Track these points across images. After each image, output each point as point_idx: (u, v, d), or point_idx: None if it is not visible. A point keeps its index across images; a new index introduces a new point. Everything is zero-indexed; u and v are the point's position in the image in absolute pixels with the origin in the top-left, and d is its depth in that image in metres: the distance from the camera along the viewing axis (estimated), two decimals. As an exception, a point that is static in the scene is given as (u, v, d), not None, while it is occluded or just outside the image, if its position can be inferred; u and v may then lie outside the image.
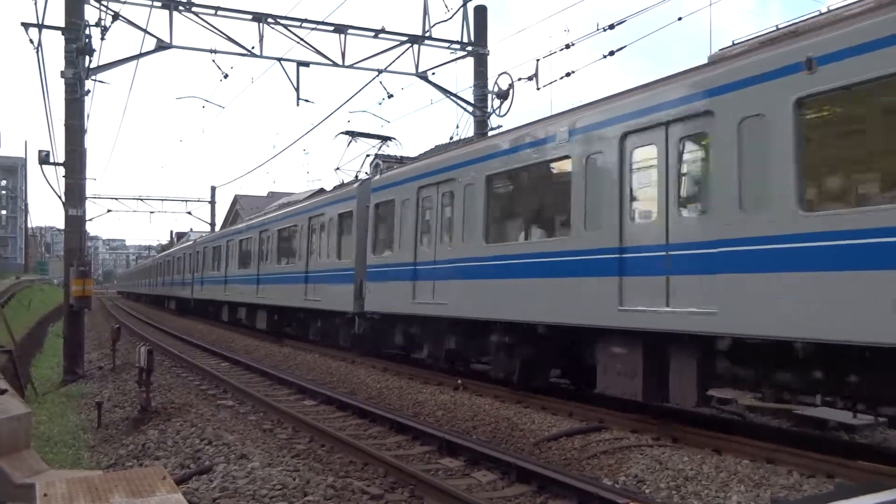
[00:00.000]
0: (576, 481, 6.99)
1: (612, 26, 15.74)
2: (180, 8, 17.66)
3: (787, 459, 7.68)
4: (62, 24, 16.85)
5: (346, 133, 20.76)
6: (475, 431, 10.08)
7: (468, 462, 8.37)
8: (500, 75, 19.21)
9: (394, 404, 12.33)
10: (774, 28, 8.54)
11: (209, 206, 53.91)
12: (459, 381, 13.31)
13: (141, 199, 51.66)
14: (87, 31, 16.98)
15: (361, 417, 11.22)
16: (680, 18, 15.06)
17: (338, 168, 21.89)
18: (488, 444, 9.09)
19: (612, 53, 16.03)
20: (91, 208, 50.01)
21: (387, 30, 19.63)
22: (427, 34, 19.67)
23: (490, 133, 15.28)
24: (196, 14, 17.94)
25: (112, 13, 17.29)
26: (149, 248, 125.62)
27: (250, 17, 18.51)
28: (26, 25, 16.80)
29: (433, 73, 20.49)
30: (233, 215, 66.06)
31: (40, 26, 16.79)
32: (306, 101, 22.47)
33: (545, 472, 7.37)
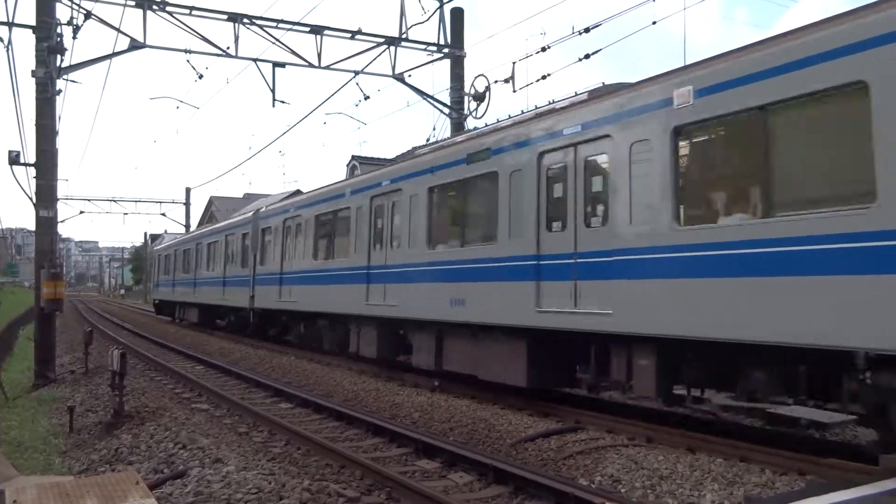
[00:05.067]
0: (552, 482, 7.03)
1: (587, 30, 15.87)
2: (154, 7, 17.49)
3: (759, 458, 7.78)
4: (33, 23, 16.61)
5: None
6: (452, 433, 10.09)
7: (445, 463, 8.37)
8: (476, 77, 19.29)
9: (371, 406, 12.30)
10: None
11: (184, 207, 53.22)
12: (436, 383, 13.32)
13: (114, 201, 51.08)
14: (58, 30, 16.76)
15: (338, 420, 11.18)
16: (654, 23, 15.22)
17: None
18: (465, 445, 9.10)
19: (587, 56, 16.18)
20: (63, 209, 49.45)
21: (363, 31, 19.62)
22: (404, 36, 19.68)
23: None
24: (170, 14, 17.79)
25: (84, 12, 17.08)
26: (122, 249, 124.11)
27: (225, 17, 18.38)
28: (-5, 24, 16.54)
29: (410, 75, 20.55)
30: (208, 217, 65.52)
31: (10, 24, 16.52)
32: (282, 102, 22.38)
33: (522, 473, 7.39)
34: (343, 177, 20.59)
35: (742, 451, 8.02)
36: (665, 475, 7.44)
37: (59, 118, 17.18)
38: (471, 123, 19.88)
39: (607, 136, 9.43)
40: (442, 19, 20.12)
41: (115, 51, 17.62)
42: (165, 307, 40.26)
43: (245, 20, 18.51)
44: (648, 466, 7.71)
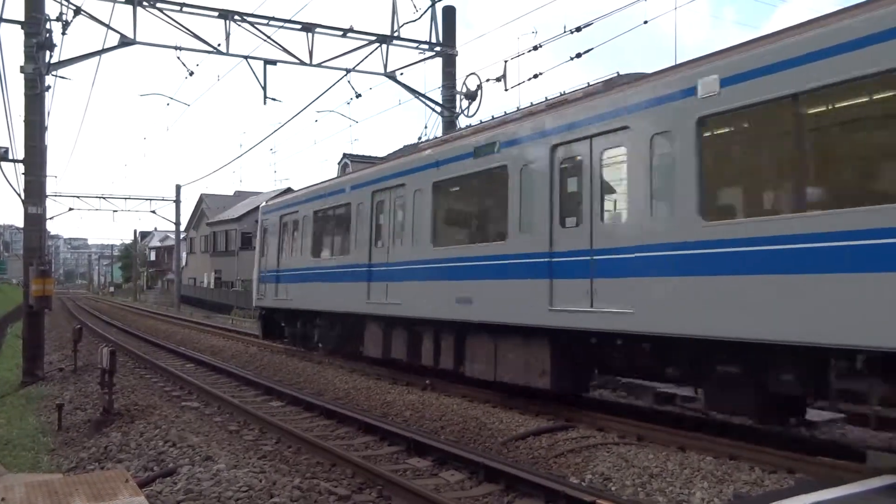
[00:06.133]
0: (543, 480, 7.04)
1: (579, 29, 15.89)
2: (144, 3, 17.38)
3: (749, 456, 7.82)
4: (22, 18, 16.48)
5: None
6: (443, 431, 10.09)
7: (436, 462, 8.37)
8: (468, 76, 19.29)
9: (362, 405, 12.29)
10: None
11: (174, 205, 52.99)
12: (428, 381, 13.31)
13: (104, 198, 50.60)
14: (47, 26, 16.64)
15: (329, 418, 11.17)
16: (646, 22, 15.29)
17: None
18: (456, 443, 9.10)
19: (579, 55, 16.20)
20: (52, 206, 48.91)
21: (355, 29, 19.56)
22: (395, 34, 19.64)
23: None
24: (161, 10, 17.68)
25: (74, 7, 16.97)
26: (111, 247, 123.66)
27: (216, 14, 18.28)
28: (-16, 19, 16.39)
29: (401, 73, 20.48)
30: (198, 215, 65.32)
31: (-1, 20, 16.39)
32: (273, 99, 22.38)
33: (513, 472, 7.40)
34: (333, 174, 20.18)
35: (732, 449, 8.06)
36: (655, 473, 7.47)
37: (48, 114, 17.07)
38: (463, 122, 19.91)
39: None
40: (434, 18, 20.09)
41: (105, 47, 17.49)
42: (298, 324, 19.00)
43: (236, 17, 18.42)
44: (639, 464, 7.73)
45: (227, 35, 18.34)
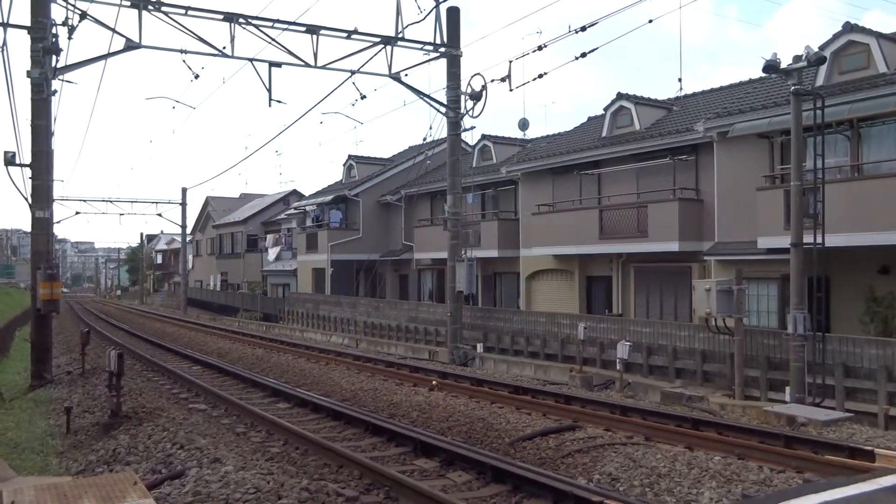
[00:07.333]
0: (551, 480, 7.02)
1: (583, 28, 15.89)
2: (149, 7, 17.43)
3: (757, 456, 7.81)
4: (28, 23, 16.57)
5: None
6: (450, 432, 10.09)
7: (443, 463, 8.37)
8: (473, 76, 19.38)
9: (369, 406, 12.30)
10: None
11: (180, 207, 53.08)
12: (434, 382, 13.32)
13: (110, 201, 50.70)
14: (53, 30, 16.71)
15: (336, 419, 11.18)
16: (650, 21, 15.31)
17: None
18: (463, 444, 9.10)
19: (584, 55, 16.19)
20: (59, 210, 49.26)
21: (359, 31, 19.57)
22: (400, 35, 19.66)
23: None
24: (166, 14, 17.72)
25: (79, 12, 17.03)
26: (118, 250, 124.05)
27: (221, 17, 18.33)
28: (-9, 24, 16.47)
29: (406, 75, 20.50)
30: (204, 217, 65.52)
31: (5, 25, 16.46)
32: (279, 101, 22.44)
33: (520, 472, 7.39)
34: (340, 177, 20.39)
35: (740, 448, 8.05)
36: (663, 473, 7.45)
37: (55, 119, 17.16)
38: (467, 122, 19.96)
39: None
40: (438, 18, 20.12)
41: (111, 51, 17.56)
42: None
43: (241, 20, 18.46)
44: (647, 465, 7.72)
45: (232, 38, 18.38)
